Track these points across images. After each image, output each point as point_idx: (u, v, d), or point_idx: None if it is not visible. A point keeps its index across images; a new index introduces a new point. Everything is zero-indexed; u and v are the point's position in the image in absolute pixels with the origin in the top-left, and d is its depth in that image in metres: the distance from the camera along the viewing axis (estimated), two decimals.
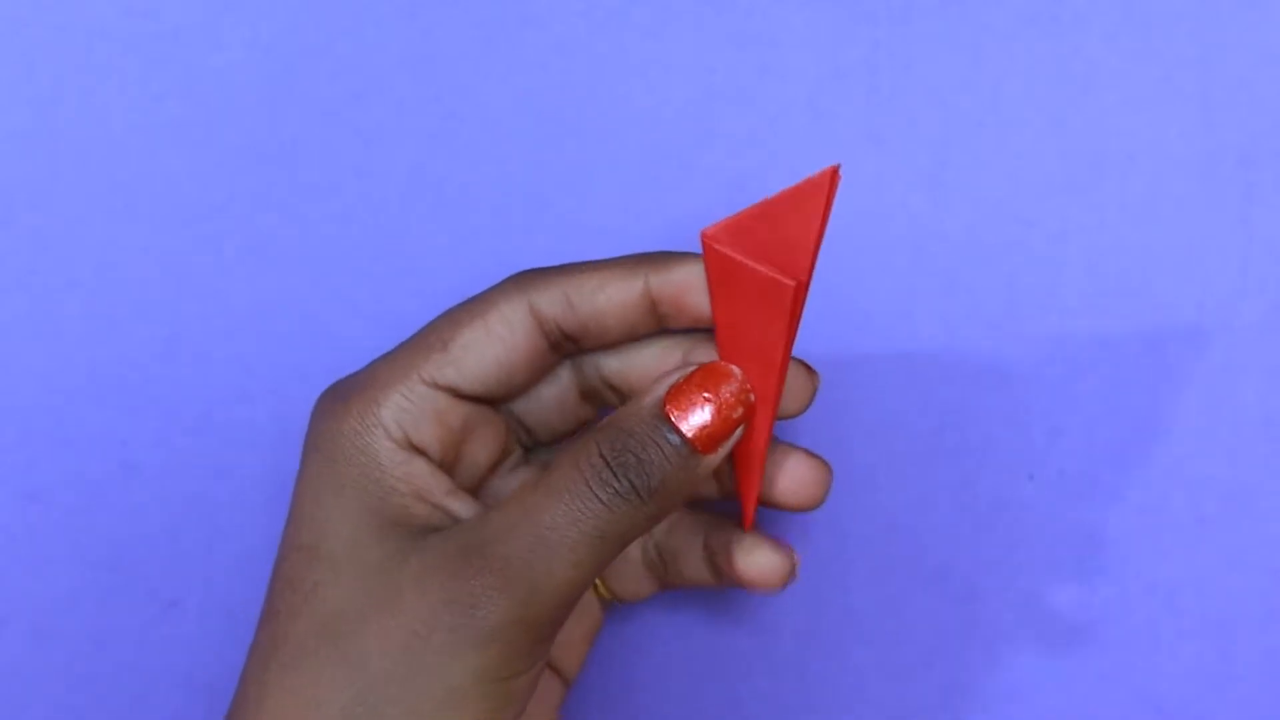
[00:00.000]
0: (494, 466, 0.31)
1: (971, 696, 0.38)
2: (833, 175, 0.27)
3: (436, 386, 0.29)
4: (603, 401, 0.32)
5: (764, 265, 0.27)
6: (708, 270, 0.28)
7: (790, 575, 0.31)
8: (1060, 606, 0.37)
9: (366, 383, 0.29)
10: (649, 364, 0.31)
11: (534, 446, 0.33)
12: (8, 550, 0.36)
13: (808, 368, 0.30)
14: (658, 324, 0.30)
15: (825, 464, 0.32)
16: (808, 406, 0.31)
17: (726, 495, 0.33)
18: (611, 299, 0.29)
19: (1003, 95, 0.37)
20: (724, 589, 0.35)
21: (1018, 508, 0.37)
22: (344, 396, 0.29)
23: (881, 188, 0.37)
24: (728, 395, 0.28)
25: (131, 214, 0.36)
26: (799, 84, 0.37)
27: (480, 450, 0.30)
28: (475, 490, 0.31)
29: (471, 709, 0.26)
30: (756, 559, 0.31)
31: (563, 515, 0.26)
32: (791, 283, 0.27)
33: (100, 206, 0.36)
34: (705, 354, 0.29)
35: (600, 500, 0.27)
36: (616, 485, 0.27)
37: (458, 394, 0.29)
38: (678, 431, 0.27)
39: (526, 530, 0.26)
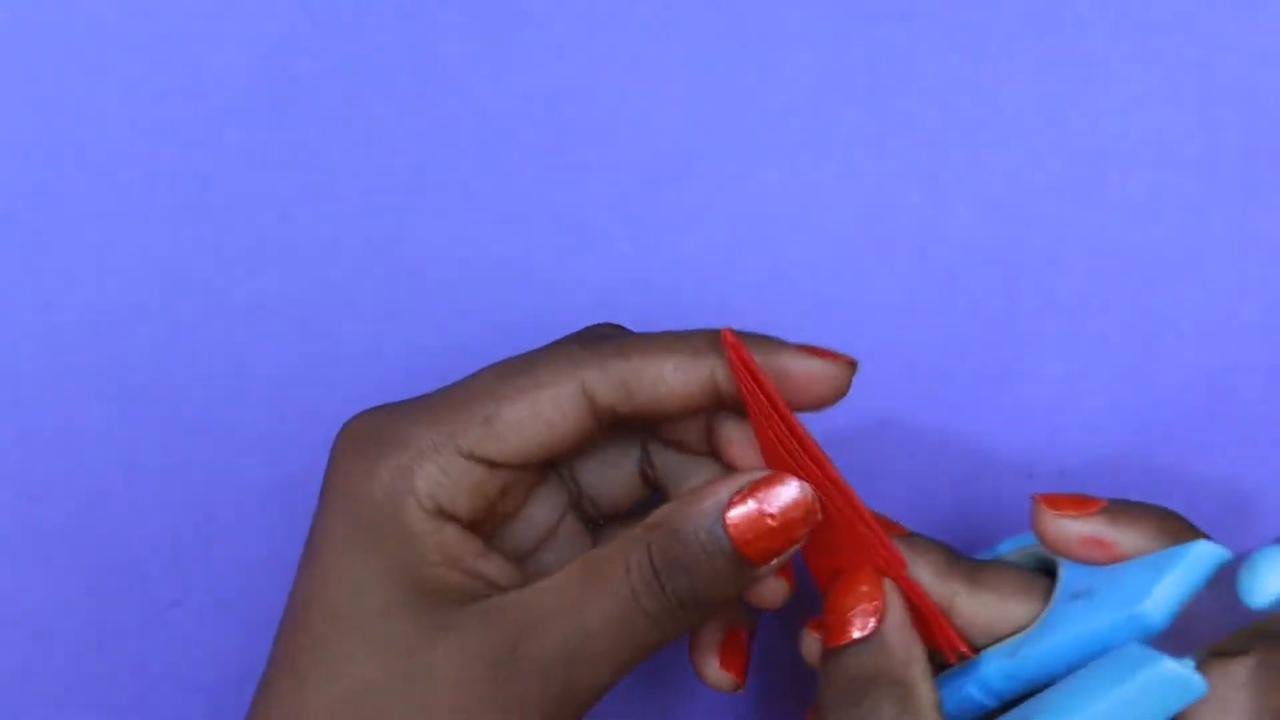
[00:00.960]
0: (542, 536, 0.30)
1: None
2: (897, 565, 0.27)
3: (474, 459, 0.27)
4: (656, 467, 0.31)
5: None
6: (739, 377, 0.27)
7: (787, 595, 0.29)
8: None
9: (399, 444, 0.27)
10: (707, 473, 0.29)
11: (593, 510, 0.31)
12: (8, 550, 0.36)
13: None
14: (722, 404, 0.28)
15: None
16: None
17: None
18: (675, 390, 0.27)
19: (1003, 95, 0.37)
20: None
21: (1018, 508, 0.37)
22: (371, 453, 0.27)
23: (881, 188, 0.37)
24: (790, 509, 0.26)
25: (131, 214, 0.36)
26: (799, 84, 0.37)
27: (511, 503, 0.29)
28: (519, 554, 0.30)
29: None
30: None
31: (605, 620, 0.25)
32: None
33: (100, 206, 0.36)
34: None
35: (644, 610, 0.26)
36: (664, 601, 0.26)
37: (496, 465, 0.28)
38: (735, 546, 0.26)
39: (568, 630, 0.25)
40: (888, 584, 0.27)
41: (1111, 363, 0.37)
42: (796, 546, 0.27)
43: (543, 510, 0.30)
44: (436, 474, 0.27)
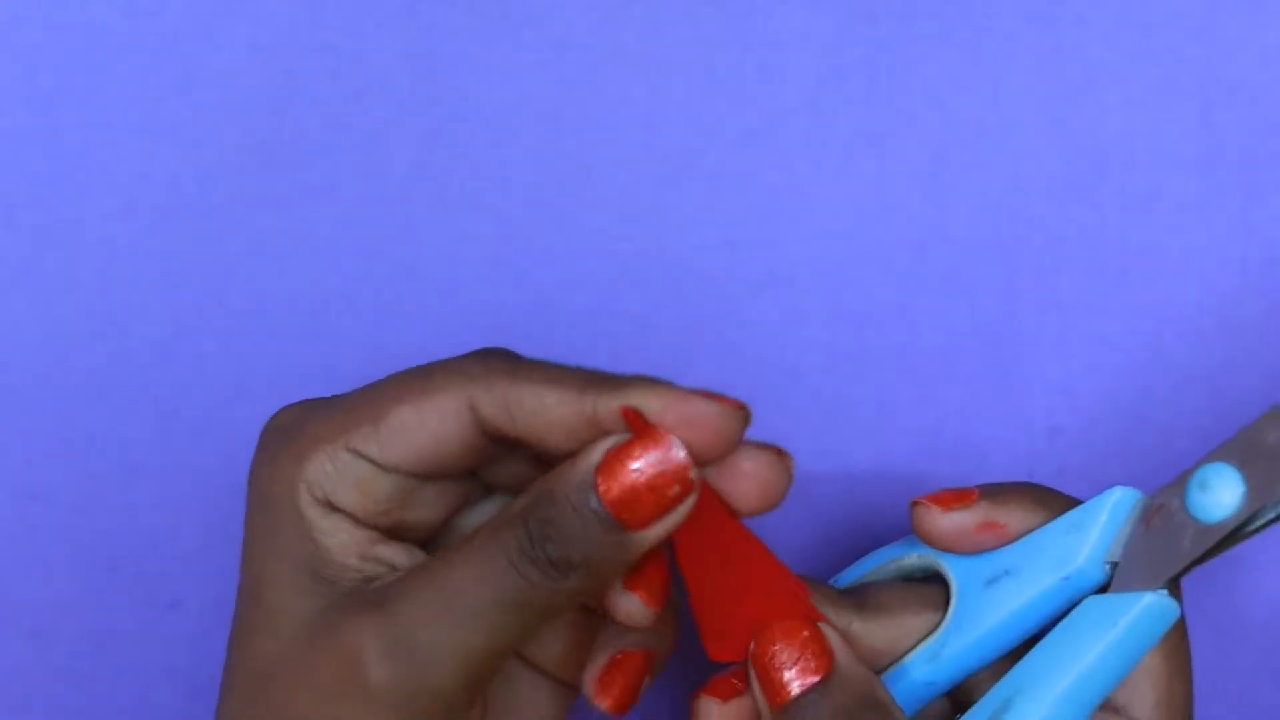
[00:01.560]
0: (448, 518, 0.30)
1: None
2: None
3: (360, 457, 0.27)
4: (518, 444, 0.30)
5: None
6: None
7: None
8: None
9: (298, 435, 0.28)
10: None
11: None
12: (8, 550, 0.36)
13: (778, 452, 0.27)
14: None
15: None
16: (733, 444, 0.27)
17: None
18: (552, 423, 0.27)
19: (1003, 95, 0.37)
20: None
21: None
22: (278, 442, 0.28)
23: (881, 188, 0.37)
24: (665, 467, 0.25)
25: (131, 214, 0.36)
26: (799, 84, 0.37)
27: (426, 512, 0.29)
28: (435, 537, 0.30)
29: None
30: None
31: (471, 581, 0.25)
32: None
33: (100, 206, 0.36)
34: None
35: (515, 569, 0.25)
36: (533, 555, 0.25)
37: (381, 467, 0.28)
38: (603, 502, 0.25)
39: (431, 591, 0.26)
40: (824, 625, 0.27)
41: (1111, 363, 0.37)
42: (675, 512, 0.26)
43: (479, 520, 0.30)
44: (325, 465, 0.27)
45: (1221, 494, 0.26)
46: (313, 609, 0.27)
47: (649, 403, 0.26)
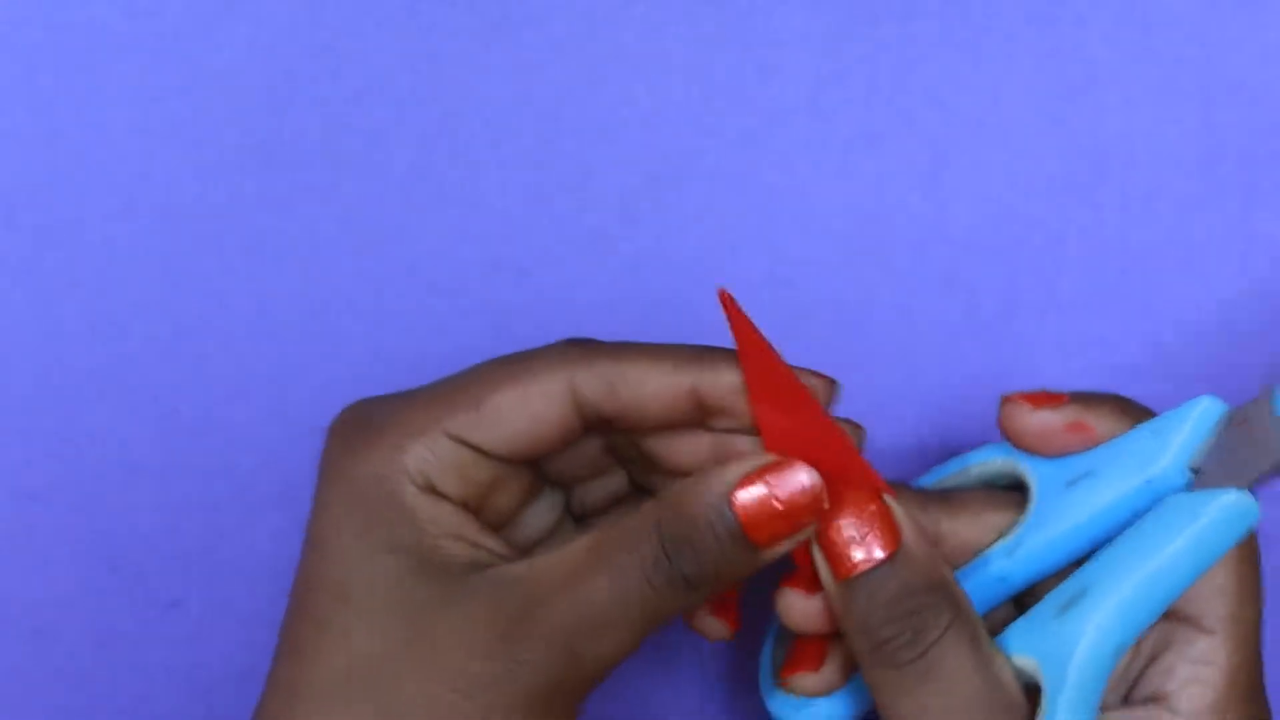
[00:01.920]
0: (520, 509, 0.30)
1: None
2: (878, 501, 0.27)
3: (461, 443, 0.28)
4: (625, 456, 0.31)
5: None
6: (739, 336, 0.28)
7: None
8: None
9: (389, 426, 0.28)
10: (693, 445, 0.29)
11: (567, 496, 0.32)
12: (8, 550, 0.36)
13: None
14: (700, 420, 0.29)
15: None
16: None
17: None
18: (657, 394, 0.28)
19: (1003, 95, 0.37)
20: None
21: None
22: (365, 436, 0.28)
23: (881, 188, 0.37)
24: (798, 495, 0.26)
25: (131, 214, 0.36)
26: (799, 84, 0.37)
27: (506, 500, 0.30)
28: (500, 530, 0.30)
29: None
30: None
31: (613, 594, 0.26)
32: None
33: (100, 206, 0.36)
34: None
35: (650, 584, 0.26)
36: (669, 573, 0.26)
37: (484, 453, 0.28)
38: (741, 526, 0.26)
39: (575, 602, 0.26)
40: (891, 500, 0.28)
41: (1111, 362, 0.37)
42: (804, 533, 0.27)
43: (538, 513, 0.31)
44: (424, 453, 0.27)
45: None
46: (425, 602, 0.26)
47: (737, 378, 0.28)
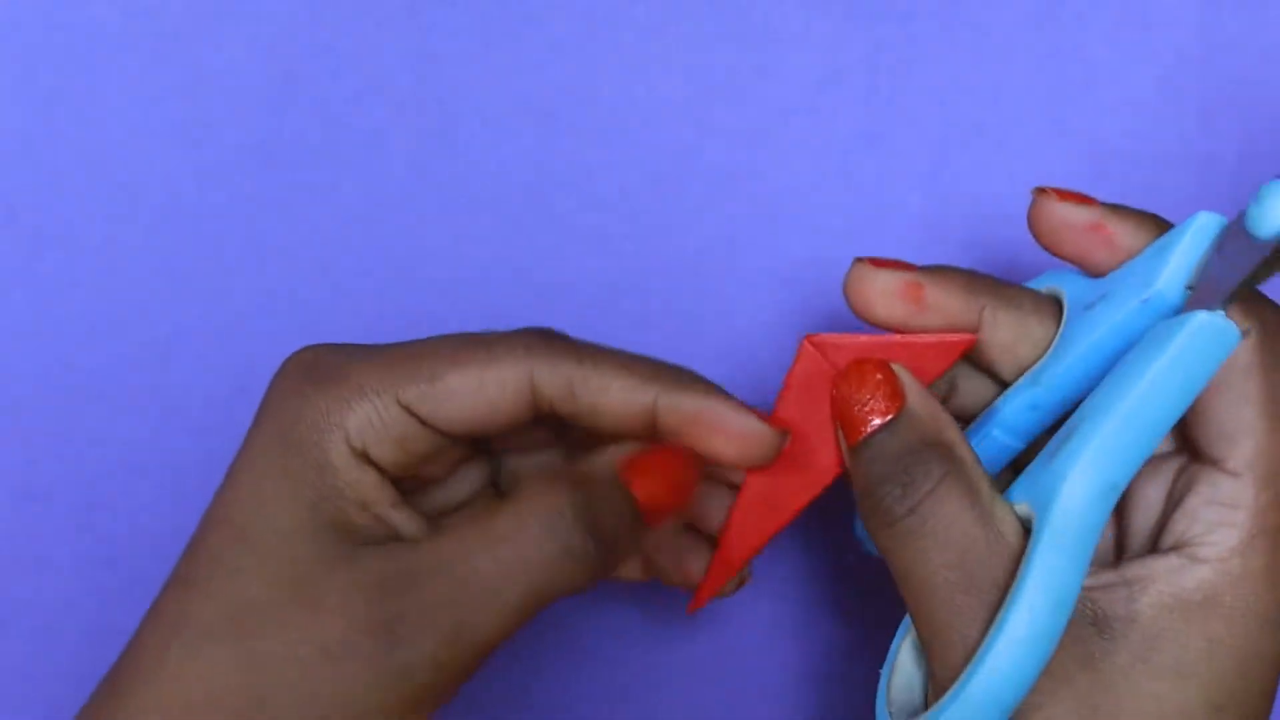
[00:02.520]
0: (446, 483, 0.31)
1: None
2: (970, 343, 0.27)
3: (410, 413, 0.27)
4: (563, 436, 0.31)
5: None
6: (796, 370, 0.29)
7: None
8: None
9: (342, 378, 0.27)
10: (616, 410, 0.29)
11: (498, 474, 0.32)
12: (8, 550, 0.36)
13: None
14: (650, 434, 0.29)
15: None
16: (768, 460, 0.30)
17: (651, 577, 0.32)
18: (616, 405, 0.28)
19: (1003, 95, 0.37)
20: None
21: None
22: (314, 381, 0.27)
23: (881, 188, 0.37)
24: (688, 473, 0.28)
25: (131, 214, 0.36)
26: (799, 84, 0.37)
27: (437, 469, 0.30)
28: (420, 492, 0.30)
29: None
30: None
31: (497, 563, 0.26)
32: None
33: (100, 206, 0.36)
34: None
35: (539, 553, 0.26)
36: (566, 539, 0.26)
37: (428, 426, 0.28)
38: (632, 497, 0.27)
39: (458, 571, 0.26)
40: (897, 366, 0.28)
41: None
42: (682, 509, 0.28)
43: (464, 482, 0.31)
44: (370, 414, 0.27)
45: (1274, 208, 0.24)
46: (316, 559, 0.26)
47: (710, 413, 0.28)
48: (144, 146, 0.36)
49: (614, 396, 0.28)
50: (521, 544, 0.26)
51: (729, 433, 0.28)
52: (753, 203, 0.37)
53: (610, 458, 0.28)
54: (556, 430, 0.31)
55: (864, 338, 0.28)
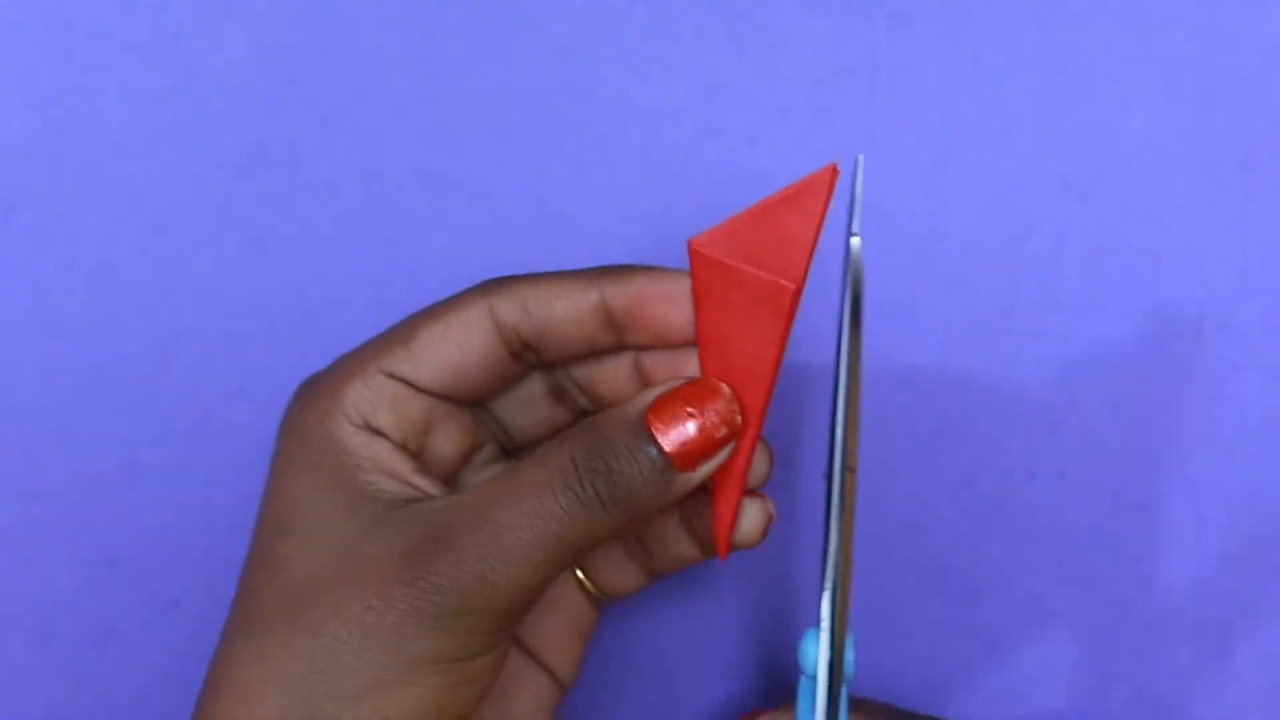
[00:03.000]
0: (464, 459, 0.31)
1: (971, 696, 0.38)
2: (831, 175, 0.26)
3: (393, 378, 0.29)
4: (576, 405, 0.32)
5: (760, 270, 0.27)
6: (694, 281, 0.28)
7: (769, 523, 0.31)
8: (1060, 606, 0.37)
9: (332, 374, 0.30)
10: (618, 373, 0.31)
11: (514, 449, 0.33)
12: (8, 550, 0.36)
13: (764, 444, 0.30)
14: (617, 338, 0.30)
15: (767, 508, 0.31)
16: (766, 480, 0.31)
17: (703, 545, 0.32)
18: (567, 308, 0.29)
19: (1003, 95, 0.37)
20: (714, 566, 0.35)
21: (1018, 508, 0.37)
22: (312, 389, 0.30)
23: (881, 188, 0.37)
24: (714, 414, 0.28)
25: (131, 214, 0.36)
26: (799, 84, 0.37)
27: (446, 444, 0.31)
28: (446, 481, 0.31)
29: (427, 683, 0.26)
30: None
31: (521, 514, 0.27)
32: (791, 285, 0.27)
33: (100, 206, 0.36)
34: (690, 368, 0.29)
35: (560, 504, 0.27)
36: (580, 491, 0.27)
37: (416, 387, 0.29)
38: (657, 445, 0.27)
39: (484, 524, 0.27)
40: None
41: (1111, 363, 0.37)
42: (722, 453, 0.28)
43: (487, 465, 0.32)
44: (360, 389, 0.29)
45: (809, 653, 0.29)
46: (354, 532, 0.27)
47: (651, 286, 0.29)
48: (144, 146, 0.36)
49: (564, 301, 0.29)
50: (539, 495, 0.27)
51: (673, 295, 0.29)
52: (748, 202, 0.37)
53: (638, 404, 0.28)
54: (555, 398, 0.32)
55: (740, 217, 0.27)
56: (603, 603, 0.34)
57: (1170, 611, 0.37)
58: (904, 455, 0.37)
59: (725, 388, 0.28)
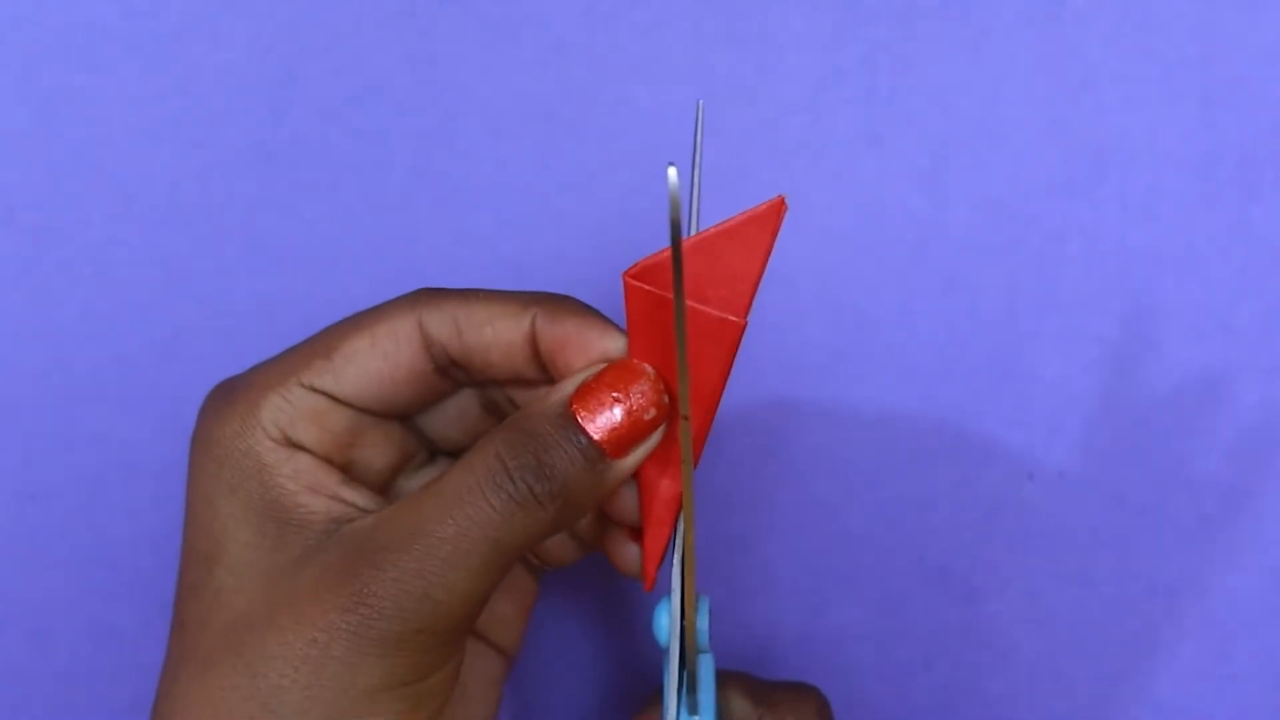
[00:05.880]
0: (397, 469, 0.30)
1: (971, 696, 0.38)
2: (780, 208, 0.25)
3: (314, 390, 0.28)
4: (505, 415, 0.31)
5: (703, 304, 0.26)
6: (629, 313, 0.27)
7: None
8: (1060, 606, 0.37)
9: (247, 385, 0.28)
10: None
11: (451, 453, 0.32)
12: (8, 550, 0.36)
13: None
14: (541, 373, 0.28)
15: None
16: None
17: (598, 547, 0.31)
18: (498, 334, 0.28)
19: (1003, 95, 0.37)
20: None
21: (1018, 508, 0.37)
22: (226, 400, 0.28)
23: (881, 188, 0.37)
24: (640, 396, 0.26)
25: (131, 214, 0.36)
26: (799, 84, 0.37)
27: (375, 456, 0.29)
28: (379, 490, 0.30)
29: (383, 711, 0.25)
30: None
31: (454, 523, 0.25)
32: (738, 320, 0.25)
33: (100, 206, 0.36)
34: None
35: (493, 506, 0.26)
36: (512, 489, 0.26)
37: (338, 400, 0.28)
38: (584, 433, 0.26)
39: (418, 539, 0.25)
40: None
41: (1111, 363, 0.37)
42: (650, 439, 0.27)
43: (420, 478, 0.31)
44: (279, 403, 0.27)
45: (660, 623, 0.29)
46: (285, 560, 0.26)
47: (581, 335, 0.27)
48: (144, 146, 0.36)
49: (497, 327, 0.28)
50: (470, 501, 0.26)
51: (604, 350, 0.27)
52: (753, 203, 0.37)
53: (561, 395, 0.27)
54: (489, 410, 0.31)
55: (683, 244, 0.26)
56: (544, 573, 0.33)
57: (1169, 611, 0.37)
58: (904, 455, 0.37)
59: (649, 368, 0.27)
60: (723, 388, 0.26)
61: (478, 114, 0.36)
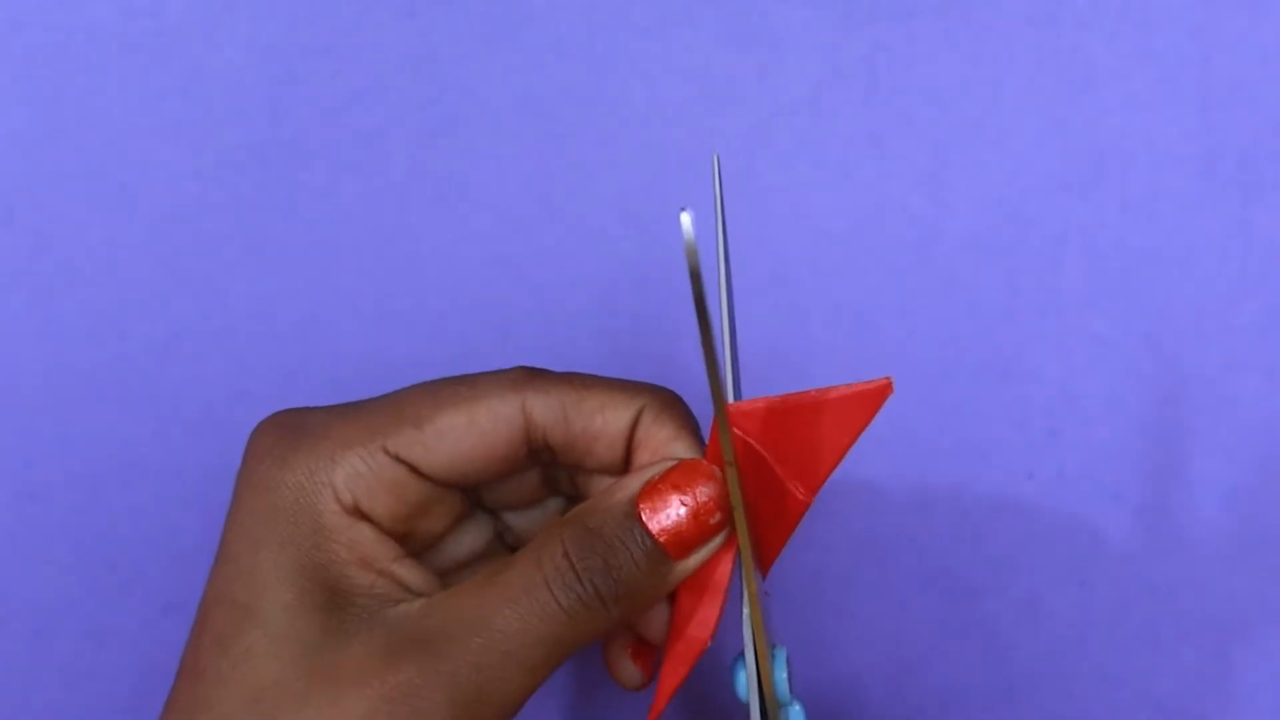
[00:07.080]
0: (448, 534, 0.29)
1: (971, 696, 0.38)
2: (887, 390, 0.25)
3: (399, 461, 0.26)
4: (561, 489, 0.30)
5: (781, 465, 0.25)
6: (711, 448, 0.26)
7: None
8: (1060, 606, 0.37)
9: (323, 436, 0.26)
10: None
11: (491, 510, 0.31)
12: (8, 550, 0.36)
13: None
14: (625, 465, 0.28)
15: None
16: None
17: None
18: (609, 422, 0.27)
19: (1003, 95, 0.37)
20: None
21: (1018, 508, 0.37)
22: (294, 443, 0.26)
23: (881, 188, 0.37)
24: (705, 497, 0.26)
25: (131, 214, 0.36)
26: (799, 84, 0.37)
27: (435, 524, 0.28)
28: (425, 551, 0.29)
29: None
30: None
31: (518, 620, 0.25)
32: (803, 498, 0.25)
33: (100, 206, 0.36)
34: (683, 451, 0.27)
35: (560, 605, 0.25)
36: (580, 591, 0.25)
37: (420, 473, 0.27)
38: (650, 534, 0.25)
39: (478, 632, 0.25)
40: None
41: (1111, 363, 0.37)
42: (715, 540, 0.26)
43: (467, 538, 0.30)
44: (358, 465, 0.26)
45: (739, 681, 0.28)
46: (326, 634, 0.25)
47: (676, 442, 0.27)
48: (144, 146, 0.36)
49: (608, 415, 0.27)
50: (536, 597, 0.25)
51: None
52: (753, 203, 0.37)
53: (628, 491, 0.26)
54: (547, 480, 0.30)
55: (787, 400, 0.26)
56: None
57: (1170, 611, 0.37)
58: (904, 455, 0.37)
59: (714, 469, 0.26)
60: (783, 541, 0.26)
61: (478, 114, 0.36)
